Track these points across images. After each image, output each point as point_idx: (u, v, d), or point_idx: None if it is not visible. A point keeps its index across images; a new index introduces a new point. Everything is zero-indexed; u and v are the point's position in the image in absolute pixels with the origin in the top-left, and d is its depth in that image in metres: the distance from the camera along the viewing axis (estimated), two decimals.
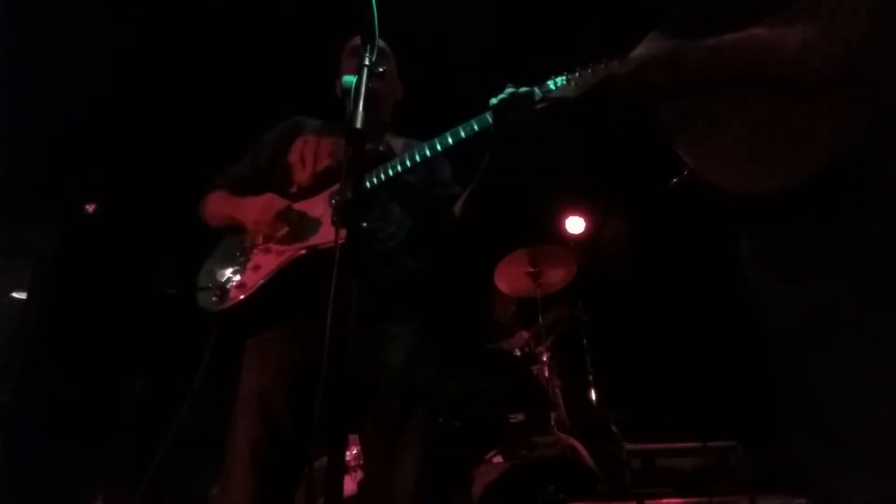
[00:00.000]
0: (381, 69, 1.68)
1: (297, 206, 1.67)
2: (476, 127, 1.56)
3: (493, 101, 1.53)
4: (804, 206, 1.01)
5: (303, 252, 1.58)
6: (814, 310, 0.99)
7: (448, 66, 4.05)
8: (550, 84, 1.56)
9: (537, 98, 1.53)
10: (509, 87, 1.54)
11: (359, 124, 1.09)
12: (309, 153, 1.77)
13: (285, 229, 1.61)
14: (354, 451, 2.66)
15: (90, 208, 4.73)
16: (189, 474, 3.08)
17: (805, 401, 1.02)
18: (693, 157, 1.13)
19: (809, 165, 0.97)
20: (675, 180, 1.17)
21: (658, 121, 1.20)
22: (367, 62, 1.21)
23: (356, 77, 1.19)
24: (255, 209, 1.66)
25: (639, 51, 1.24)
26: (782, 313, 1.05)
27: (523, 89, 1.53)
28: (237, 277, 1.62)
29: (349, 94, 1.16)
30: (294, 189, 1.73)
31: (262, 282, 1.58)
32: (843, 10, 0.97)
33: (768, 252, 1.09)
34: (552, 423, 3.03)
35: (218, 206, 1.79)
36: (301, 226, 1.62)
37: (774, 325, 1.06)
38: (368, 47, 1.23)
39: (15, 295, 4.48)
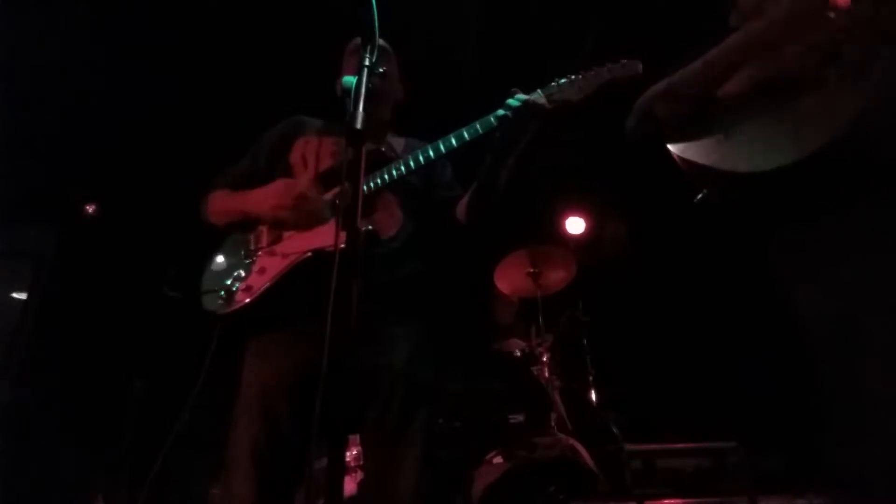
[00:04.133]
0: (381, 69, 1.68)
1: None
2: (479, 129, 1.56)
3: (502, 112, 1.53)
4: (823, 202, 1.02)
5: (308, 254, 1.58)
6: (839, 306, 0.99)
7: (448, 66, 4.05)
8: (553, 86, 1.56)
9: (542, 101, 1.54)
10: (517, 93, 1.54)
11: (359, 124, 1.09)
12: (310, 154, 1.76)
13: (307, 208, 1.61)
14: (354, 452, 2.66)
15: (90, 209, 4.73)
16: (189, 474, 3.08)
17: (835, 394, 1.02)
18: (719, 161, 1.16)
19: (822, 138, 0.98)
20: (699, 197, 1.22)
21: (673, 152, 1.25)
22: (367, 62, 1.21)
23: (356, 77, 1.19)
24: (272, 194, 1.65)
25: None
26: (809, 311, 1.06)
27: (534, 96, 1.53)
28: (243, 280, 1.62)
29: (349, 94, 1.16)
30: None
31: (268, 284, 1.58)
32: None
33: (792, 251, 1.11)
34: (552, 423, 3.03)
35: (224, 202, 1.77)
36: (322, 208, 1.62)
37: (802, 322, 1.07)
38: (368, 47, 1.23)
39: (15, 295, 4.48)
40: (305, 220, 1.61)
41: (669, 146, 1.24)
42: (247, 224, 1.72)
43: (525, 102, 1.52)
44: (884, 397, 0.92)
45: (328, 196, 1.66)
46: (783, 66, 1.09)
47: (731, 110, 1.16)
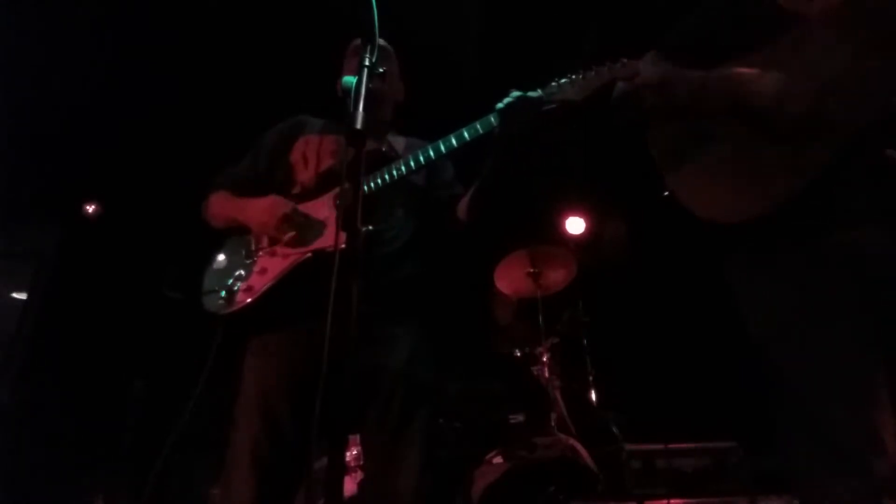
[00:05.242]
0: (381, 69, 1.68)
1: (302, 207, 1.66)
2: (480, 129, 1.56)
3: (500, 105, 1.53)
4: (775, 231, 1.14)
5: (308, 255, 1.58)
6: (782, 320, 1.13)
7: (448, 66, 4.05)
8: (554, 86, 1.56)
9: (542, 101, 1.53)
10: (515, 91, 1.54)
11: (359, 124, 1.09)
12: (311, 153, 1.76)
13: (291, 233, 1.61)
14: (354, 452, 2.66)
15: (91, 209, 4.74)
16: (189, 474, 3.08)
17: (783, 403, 1.13)
18: (673, 181, 1.28)
19: (767, 203, 1.12)
20: (665, 193, 1.31)
21: (648, 145, 1.33)
22: (367, 62, 1.21)
23: (356, 77, 1.19)
24: (260, 211, 1.65)
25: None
26: (758, 325, 1.19)
27: (531, 93, 1.53)
28: (244, 280, 1.61)
29: (350, 95, 1.16)
30: (297, 189, 1.73)
31: (269, 285, 1.57)
32: (815, 63, 1.12)
33: (744, 270, 1.23)
34: (552, 423, 3.03)
35: (221, 207, 1.78)
36: (306, 228, 1.62)
37: (752, 335, 1.20)
38: (368, 48, 1.22)
39: (15, 295, 4.48)
40: (287, 240, 1.61)
41: (648, 143, 1.29)
42: (244, 228, 1.72)
43: (520, 98, 1.52)
44: (815, 390, 1.06)
45: (318, 213, 1.65)
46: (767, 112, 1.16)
47: (710, 124, 1.23)
